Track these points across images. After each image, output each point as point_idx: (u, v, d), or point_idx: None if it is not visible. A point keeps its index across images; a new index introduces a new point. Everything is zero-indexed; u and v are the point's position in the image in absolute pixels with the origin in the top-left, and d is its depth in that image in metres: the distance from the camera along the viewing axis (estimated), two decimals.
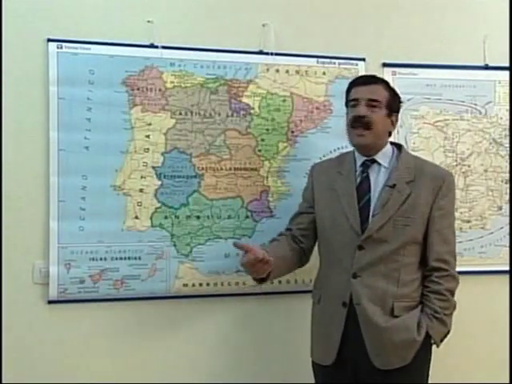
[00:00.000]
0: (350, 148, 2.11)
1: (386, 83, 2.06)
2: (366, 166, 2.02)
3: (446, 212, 1.98)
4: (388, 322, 1.90)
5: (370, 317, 1.90)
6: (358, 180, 2.01)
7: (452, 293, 1.95)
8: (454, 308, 1.96)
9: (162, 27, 2.27)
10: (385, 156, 2.02)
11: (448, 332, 1.95)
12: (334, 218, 2.00)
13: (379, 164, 2.01)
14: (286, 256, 2.07)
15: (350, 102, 2.02)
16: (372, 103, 1.98)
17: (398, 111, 2.07)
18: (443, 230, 1.97)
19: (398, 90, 2.07)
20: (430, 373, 2.21)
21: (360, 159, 2.03)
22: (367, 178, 2.00)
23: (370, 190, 1.98)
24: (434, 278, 1.93)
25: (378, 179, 1.99)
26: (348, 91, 2.07)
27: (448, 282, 1.94)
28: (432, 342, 1.93)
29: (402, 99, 2.06)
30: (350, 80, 2.16)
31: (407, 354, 1.89)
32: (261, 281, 2.02)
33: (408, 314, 1.91)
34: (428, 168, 2.02)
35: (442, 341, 1.95)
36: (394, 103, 2.03)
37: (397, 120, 2.07)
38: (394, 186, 1.95)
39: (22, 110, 2.18)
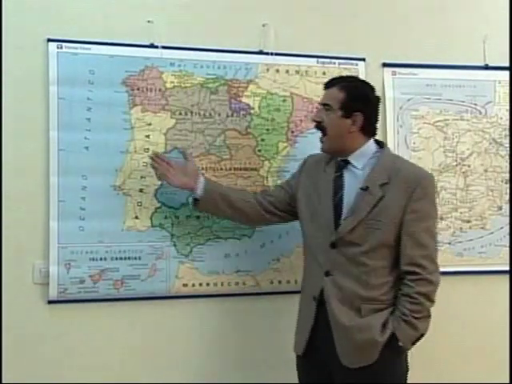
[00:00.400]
0: None
1: (344, 84, 2.00)
2: (340, 166, 2.02)
3: (422, 215, 1.92)
4: (352, 322, 1.91)
5: (337, 316, 1.92)
6: (334, 178, 2.01)
7: (426, 296, 1.89)
8: (429, 312, 1.92)
9: (162, 27, 2.27)
10: (360, 156, 1.99)
11: (421, 335, 1.91)
12: (313, 213, 2.03)
13: (353, 165, 2.00)
14: (233, 199, 2.15)
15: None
16: (326, 107, 2.00)
17: (364, 109, 1.97)
18: (417, 233, 1.91)
19: (397, 90, 2.06)
20: (429, 372, 2.22)
21: (339, 159, 2.04)
22: (341, 177, 2.00)
23: (342, 190, 1.98)
24: (407, 281, 1.91)
25: (352, 180, 1.98)
26: None
27: (420, 286, 1.89)
28: (400, 344, 1.89)
29: (402, 99, 2.05)
30: None
31: (370, 353, 1.89)
32: (194, 201, 2.17)
33: (373, 315, 1.91)
34: (405, 170, 1.97)
35: (413, 344, 1.92)
36: (352, 103, 1.96)
37: (359, 119, 1.97)
38: (366, 188, 1.93)
39: (21, 110, 2.18)
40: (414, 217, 1.91)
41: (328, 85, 2.05)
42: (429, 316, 1.93)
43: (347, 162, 2.01)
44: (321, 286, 1.96)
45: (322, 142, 2.03)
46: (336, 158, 2.04)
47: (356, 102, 1.98)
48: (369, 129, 2.02)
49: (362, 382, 1.92)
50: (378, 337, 1.88)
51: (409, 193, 1.91)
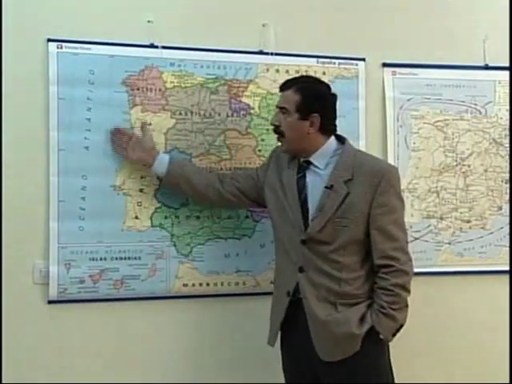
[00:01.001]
0: (356, 147, 2.11)
1: (299, 86, 1.98)
2: (303, 167, 2.02)
3: (389, 208, 1.93)
4: (329, 316, 1.93)
5: (314, 311, 1.93)
6: (296, 179, 2.01)
7: (402, 287, 1.90)
8: (405, 302, 1.93)
9: (161, 27, 2.27)
10: (321, 156, 1.99)
11: (400, 326, 1.92)
12: (280, 209, 2.03)
13: (315, 166, 1.99)
14: (195, 182, 2.14)
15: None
16: (282, 111, 1.99)
17: (320, 110, 1.96)
18: (386, 226, 1.92)
19: (397, 90, 2.06)
20: (430, 373, 2.22)
21: (301, 159, 2.04)
22: (304, 177, 2.00)
23: (305, 190, 1.98)
24: (381, 274, 1.92)
25: (315, 180, 1.98)
26: None
27: (395, 278, 1.90)
28: (381, 337, 1.91)
29: (402, 99, 2.04)
30: (350, 80, 2.15)
31: (347, 346, 1.91)
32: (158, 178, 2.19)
33: (349, 309, 1.93)
34: (367, 164, 1.96)
35: (394, 335, 1.93)
36: (308, 104, 1.95)
37: (317, 120, 1.96)
38: (331, 186, 1.93)
39: (22, 110, 2.18)
40: (381, 211, 1.92)
41: (283, 87, 2.02)
42: (406, 306, 1.94)
43: (309, 163, 2.01)
44: (295, 282, 1.97)
45: (280, 142, 2.04)
46: (298, 157, 2.04)
47: (312, 103, 1.96)
48: (327, 128, 2.00)
49: (344, 373, 1.93)
50: (355, 330, 1.90)
51: (374, 187, 1.91)
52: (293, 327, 2.01)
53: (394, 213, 1.95)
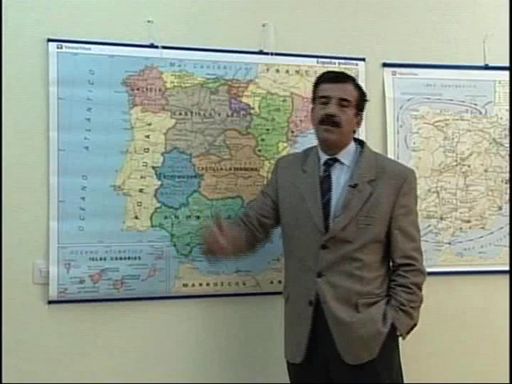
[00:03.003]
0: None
1: (355, 82, 2.05)
2: (328, 164, 2.02)
3: (409, 210, 1.99)
4: (353, 317, 1.92)
5: (337, 314, 1.92)
6: (320, 179, 2.00)
7: (419, 287, 1.96)
8: (421, 302, 1.97)
9: (161, 27, 2.27)
10: (347, 154, 2.02)
11: (415, 325, 1.96)
12: (298, 216, 2.00)
13: (341, 163, 2.01)
14: (240, 244, 2.05)
15: (320, 99, 2.00)
16: (342, 103, 1.98)
17: (363, 110, 2.06)
18: (406, 227, 1.97)
19: (398, 90, 2.07)
20: (430, 372, 2.22)
21: (323, 157, 2.03)
22: (329, 176, 2.00)
23: (330, 189, 1.98)
24: (401, 272, 1.96)
25: (339, 178, 1.99)
26: (316, 86, 2.05)
27: (414, 277, 1.95)
28: (398, 333, 1.94)
29: (402, 99, 2.06)
30: None
31: (374, 346, 1.91)
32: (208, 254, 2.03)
33: (370, 308, 1.93)
34: (389, 166, 2.03)
35: (408, 333, 1.96)
36: (362, 103, 2.03)
37: (361, 119, 2.06)
38: (355, 185, 1.95)
39: (21, 110, 2.18)
40: (402, 211, 1.97)
41: (341, 79, 2.01)
42: (420, 306, 1.97)
43: (335, 160, 2.01)
44: (315, 289, 1.94)
45: (328, 131, 1.97)
46: (315, 154, 2.04)
47: (363, 102, 2.04)
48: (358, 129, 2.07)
49: (363, 378, 1.92)
50: (381, 328, 1.91)
51: (397, 189, 1.96)
52: (311, 334, 1.96)
53: (413, 214, 2.02)
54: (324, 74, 2.09)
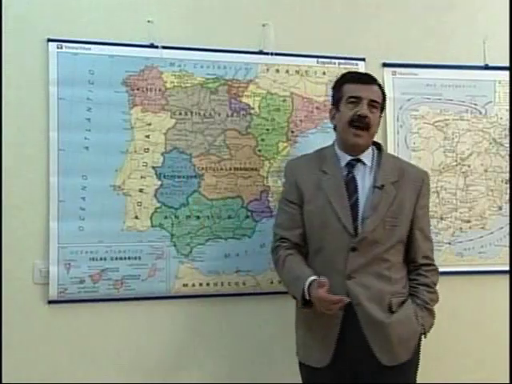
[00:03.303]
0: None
1: (379, 84, 2.05)
2: (351, 165, 2.01)
3: (426, 210, 2.05)
4: (390, 318, 1.92)
5: (373, 315, 1.90)
6: (345, 180, 1.99)
7: (436, 285, 2.02)
8: (438, 300, 2.02)
9: (161, 27, 2.27)
10: (368, 155, 2.03)
11: (433, 323, 2.00)
12: (324, 218, 1.97)
13: (364, 164, 2.01)
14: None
15: (349, 99, 1.98)
16: (373, 104, 1.98)
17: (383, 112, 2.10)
18: (425, 227, 2.04)
19: (398, 90, 2.07)
20: (430, 372, 2.22)
21: (344, 158, 2.01)
22: (353, 178, 1.99)
23: (357, 191, 1.97)
24: (422, 272, 2.00)
25: (364, 179, 1.99)
26: (340, 86, 2.03)
27: (433, 276, 2.02)
28: (422, 332, 1.96)
29: (402, 99, 2.07)
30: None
31: (411, 346, 1.94)
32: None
33: (403, 307, 1.95)
34: (408, 168, 2.07)
35: (428, 331, 1.99)
36: (384, 104, 2.07)
37: (380, 121, 2.08)
38: (382, 186, 1.96)
39: (22, 110, 2.18)
40: (422, 212, 2.02)
41: (370, 80, 2.02)
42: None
43: (358, 161, 2.00)
44: (344, 291, 1.90)
45: (358, 136, 1.95)
46: (333, 155, 2.02)
47: (385, 105, 2.07)
48: None
49: (396, 378, 1.93)
50: (417, 327, 1.94)
51: (417, 190, 2.01)
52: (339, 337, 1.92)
53: (428, 215, 2.08)
54: (347, 74, 2.08)
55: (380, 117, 2.05)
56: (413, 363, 1.97)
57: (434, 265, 2.03)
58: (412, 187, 2.00)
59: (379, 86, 2.04)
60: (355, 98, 1.97)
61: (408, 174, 2.02)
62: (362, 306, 1.91)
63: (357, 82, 2.00)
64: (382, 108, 2.05)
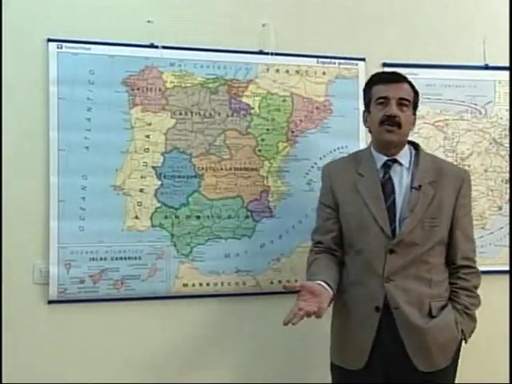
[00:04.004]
0: (356, 147, 2.08)
1: (410, 82, 2.01)
2: (387, 166, 1.98)
3: (468, 210, 2.00)
4: (429, 323, 1.88)
5: (411, 320, 1.87)
6: (382, 181, 1.96)
7: (477, 289, 1.96)
8: (479, 304, 1.96)
9: (162, 27, 2.27)
10: (405, 155, 2.00)
11: (475, 327, 1.95)
12: (361, 220, 1.94)
13: (400, 164, 1.98)
14: (338, 276, 1.96)
15: (378, 100, 1.96)
16: (403, 102, 1.95)
17: (417, 110, 2.05)
18: (466, 228, 1.98)
19: None
20: None
21: (380, 159, 1.99)
22: (390, 179, 1.96)
23: (394, 192, 1.94)
24: (462, 275, 1.94)
25: (401, 180, 1.96)
26: (369, 88, 2.01)
27: (474, 279, 1.96)
28: (462, 338, 1.92)
29: None
30: (350, 80, 2.12)
31: (450, 352, 1.91)
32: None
33: (443, 312, 1.91)
34: (447, 167, 2.02)
35: (469, 336, 1.95)
36: (417, 102, 2.03)
37: (415, 119, 2.05)
38: (419, 187, 1.92)
39: (22, 110, 2.18)
40: (463, 212, 1.97)
41: (399, 78, 1.98)
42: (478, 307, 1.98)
43: (394, 161, 1.98)
44: (383, 294, 1.88)
45: (390, 132, 1.93)
46: (369, 157, 2.00)
47: (417, 102, 2.03)
48: None
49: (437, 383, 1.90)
50: (457, 334, 1.90)
51: (457, 190, 1.96)
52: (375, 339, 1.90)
53: (470, 215, 2.02)
54: (375, 75, 2.06)
55: (414, 114, 2.01)
56: (450, 370, 1.93)
57: (474, 267, 1.96)
58: (451, 186, 1.95)
59: (409, 83, 2.00)
60: (383, 99, 1.95)
61: (447, 173, 1.97)
62: (400, 310, 1.87)
63: (384, 82, 1.97)
64: (415, 105, 2.01)
